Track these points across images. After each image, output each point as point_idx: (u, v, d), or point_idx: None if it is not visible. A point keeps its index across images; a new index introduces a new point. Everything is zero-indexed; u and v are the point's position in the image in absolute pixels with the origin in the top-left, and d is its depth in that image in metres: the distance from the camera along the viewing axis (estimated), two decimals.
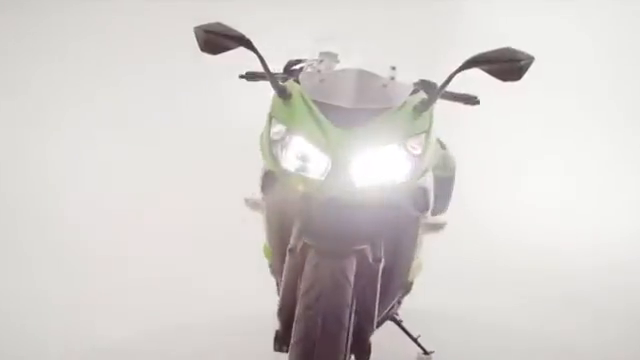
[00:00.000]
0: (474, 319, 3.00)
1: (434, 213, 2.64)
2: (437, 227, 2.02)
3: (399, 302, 2.21)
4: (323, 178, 1.65)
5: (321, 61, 1.93)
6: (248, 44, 1.77)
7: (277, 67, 2.06)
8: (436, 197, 2.55)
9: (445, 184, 2.54)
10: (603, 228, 4.38)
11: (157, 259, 3.48)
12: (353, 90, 1.76)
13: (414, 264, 2.00)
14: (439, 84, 1.82)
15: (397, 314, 2.40)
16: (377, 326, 1.87)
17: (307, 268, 1.62)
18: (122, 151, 4.40)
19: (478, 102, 2.03)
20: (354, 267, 1.64)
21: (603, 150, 4.91)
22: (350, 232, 1.68)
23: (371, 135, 1.68)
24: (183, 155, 4.39)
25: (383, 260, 1.72)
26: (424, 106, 1.77)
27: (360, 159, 1.66)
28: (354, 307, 1.66)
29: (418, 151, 1.72)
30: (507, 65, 1.70)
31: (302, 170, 1.69)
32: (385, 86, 1.80)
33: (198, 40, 1.83)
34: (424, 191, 1.81)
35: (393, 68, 1.90)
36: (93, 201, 4.10)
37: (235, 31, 1.80)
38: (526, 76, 1.69)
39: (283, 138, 1.73)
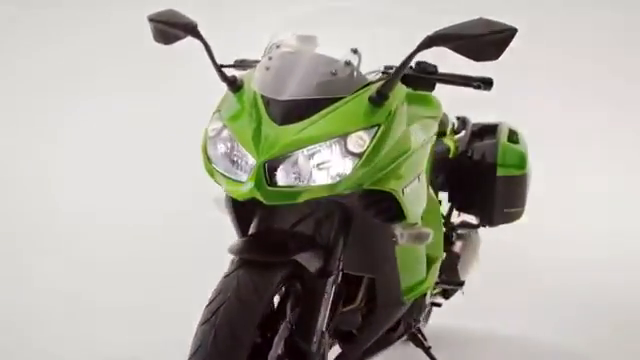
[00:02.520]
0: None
1: (503, 219, 2.48)
2: (421, 238, 1.75)
3: (414, 322, 1.97)
4: (244, 180, 1.50)
5: (278, 46, 1.70)
6: (194, 32, 1.65)
7: None
8: (503, 200, 2.32)
9: (515, 184, 2.36)
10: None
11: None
12: (298, 79, 1.57)
13: (416, 279, 1.83)
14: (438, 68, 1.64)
15: (420, 333, 2.19)
16: (382, 347, 1.84)
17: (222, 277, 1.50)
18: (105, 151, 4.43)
19: (491, 85, 1.71)
20: (280, 280, 1.50)
21: None
22: (272, 241, 1.56)
23: (307, 130, 1.50)
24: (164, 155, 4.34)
25: (336, 274, 1.59)
26: (381, 96, 1.54)
27: (289, 158, 1.48)
28: (288, 322, 1.55)
29: (360, 148, 1.50)
30: (481, 40, 1.46)
31: (228, 171, 1.54)
32: (334, 74, 1.57)
33: (151, 31, 1.73)
34: (381, 197, 1.60)
35: (354, 51, 1.61)
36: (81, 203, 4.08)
37: (184, 18, 1.68)
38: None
39: (218, 135, 1.58)
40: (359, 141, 1.53)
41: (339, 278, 1.66)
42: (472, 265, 2.57)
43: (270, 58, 1.67)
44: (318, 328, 1.59)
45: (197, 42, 1.70)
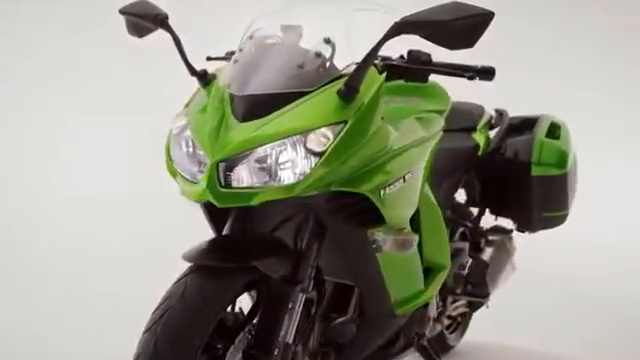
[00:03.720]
0: None
1: (542, 224, 2.27)
2: (405, 245, 1.61)
3: (416, 335, 1.80)
4: (198, 181, 1.40)
5: (250, 37, 1.59)
6: (163, 24, 1.57)
7: None
8: (541, 202, 2.12)
9: (553, 185, 2.17)
10: None
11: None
12: (263, 72, 1.47)
13: (410, 290, 1.70)
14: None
15: (431, 347, 2.03)
16: None
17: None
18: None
19: (493, 75, 1.56)
20: (240, 287, 1.43)
21: None
22: (231, 246, 1.47)
23: (266, 128, 1.39)
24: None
25: (307, 282, 1.50)
26: (350, 89, 1.41)
27: (245, 158, 1.38)
28: (248, 331, 1.48)
29: (322, 147, 1.37)
30: (453, 26, 1.33)
31: (187, 171, 1.45)
32: (301, 66, 1.46)
33: (125, 23, 1.68)
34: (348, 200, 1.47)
35: (327, 41, 1.49)
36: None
37: (154, 10, 1.60)
38: None
39: (180, 133, 1.49)
40: (321, 139, 1.40)
41: (310, 286, 1.53)
42: (504, 275, 2.32)
43: (240, 50, 1.58)
44: (280, 340, 1.48)
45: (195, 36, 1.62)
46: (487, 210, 2.40)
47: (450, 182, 2.16)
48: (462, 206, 2.32)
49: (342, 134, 1.41)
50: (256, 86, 1.45)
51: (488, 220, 2.45)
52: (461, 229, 2.30)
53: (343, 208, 1.50)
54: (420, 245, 1.80)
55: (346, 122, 1.42)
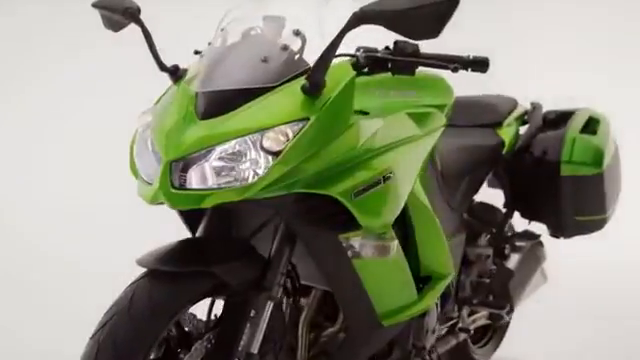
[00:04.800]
0: None
1: (576, 229, 2.07)
2: (383, 251, 1.48)
3: (413, 347, 1.69)
4: (151, 182, 1.34)
5: (222, 29, 1.51)
6: (134, 17, 1.51)
7: None
8: (572, 205, 1.95)
9: (586, 186, 1.99)
10: None
11: None
12: (226, 67, 1.39)
13: (400, 301, 1.59)
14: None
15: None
16: None
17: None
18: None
19: (487, 67, 1.45)
20: (196, 293, 1.35)
21: None
22: (190, 251, 1.41)
23: (223, 126, 1.32)
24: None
25: (276, 290, 1.41)
26: (314, 84, 1.34)
27: (199, 158, 1.30)
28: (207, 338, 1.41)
29: (280, 146, 1.29)
30: (415, 15, 1.24)
31: (144, 171, 1.39)
32: (265, 60, 1.37)
33: (100, 18, 1.64)
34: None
35: (296, 33, 1.40)
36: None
37: (125, 3, 1.54)
38: None
39: (144, 131, 1.43)
40: (280, 137, 1.31)
41: (279, 294, 1.44)
42: (532, 285, 2.11)
43: (209, 44, 1.50)
44: (241, 350, 1.39)
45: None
46: (518, 214, 2.20)
47: (468, 183, 1.98)
48: (485, 209, 2.13)
49: (302, 132, 1.31)
50: (218, 82, 1.38)
51: (522, 225, 2.26)
52: (485, 234, 2.12)
53: (312, 211, 1.40)
54: (416, 251, 1.67)
55: (307, 119, 1.32)
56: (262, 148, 1.30)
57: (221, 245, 1.46)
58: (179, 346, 1.41)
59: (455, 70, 1.42)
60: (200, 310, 1.47)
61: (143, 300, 1.30)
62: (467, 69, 1.45)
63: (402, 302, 1.61)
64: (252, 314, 1.40)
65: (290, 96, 1.35)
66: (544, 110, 2.22)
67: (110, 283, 1.54)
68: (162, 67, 1.53)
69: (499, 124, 2.09)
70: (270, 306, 1.43)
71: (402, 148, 1.53)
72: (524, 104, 2.26)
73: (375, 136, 1.45)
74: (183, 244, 1.45)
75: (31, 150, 4.42)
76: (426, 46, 1.47)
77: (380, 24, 1.29)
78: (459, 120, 2.08)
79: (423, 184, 1.67)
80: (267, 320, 1.42)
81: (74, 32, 4.23)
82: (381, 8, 1.27)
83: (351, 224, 1.41)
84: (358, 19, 1.30)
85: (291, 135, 1.31)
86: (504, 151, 2.07)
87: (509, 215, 2.15)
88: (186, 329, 1.43)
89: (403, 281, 1.60)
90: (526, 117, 2.21)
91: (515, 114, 2.17)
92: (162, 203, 1.34)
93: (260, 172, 1.29)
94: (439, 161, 1.86)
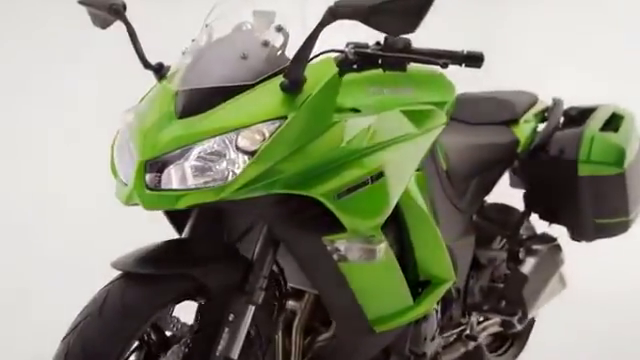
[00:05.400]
0: None
1: (596, 232, 1.97)
2: (372, 254, 1.42)
3: (412, 354, 1.61)
4: (127, 183, 1.32)
5: (207, 25, 1.47)
6: (118, 13, 1.49)
7: None
8: (591, 207, 1.89)
9: (606, 187, 1.89)
10: None
11: None
12: (206, 65, 1.36)
13: (394, 307, 1.53)
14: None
15: None
16: None
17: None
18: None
19: (481, 62, 1.36)
20: (172, 296, 1.32)
21: None
22: (167, 252, 1.37)
23: (199, 125, 1.28)
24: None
25: (257, 293, 1.38)
26: (293, 82, 1.30)
27: (174, 157, 1.27)
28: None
29: (255, 145, 1.25)
30: (390, 9, 1.19)
31: (122, 172, 1.37)
32: (244, 57, 1.34)
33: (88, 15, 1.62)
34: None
35: (279, 29, 1.38)
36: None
37: None
38: None
39: (125, 130, 1.40)
40: (256, 136, 1.27)
41: (260, 297, 1.40)
42: (548, 291, 2.00)
43: (193, 40, 1.47)
44: (219, 355, 1.35)
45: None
46: (537, 215, 2.09)
47: (479, 183, 1.89)
48: (498, 210, 2.03)
49: (279, 131, 1.27)
50: (197, 80, 1.34)
51: (542, 227, 2.14)
52: (500, 237, 2.02)
53: (295, 213, 1.35)
54: (413, 255, 1.60)
55: (286, 118, 1.28)
56: (237, 148, 1.26)
57: (203, 247, 1.43)
58: (159, 350, 1.38)
59: (444, 66, 1.34)
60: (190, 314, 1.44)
61: (115, 302, 1.27)
62: (461, 64, 1.37)
63: (395, 308, 1.54)
64: (231, 318, 1.36)
65: (268, 94, 1.31)
66: (565, 106, 2.11)
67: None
68: (146, 64, 1.50)
69: (515, 121, 1.99)
70: (251, 310, 1.38)
71: (394, 147, 1.46)
72: (545, 100, 2.15)
73: (364, 135, 1.39)
74: (162, 246, 1.41)
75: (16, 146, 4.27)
76: (426, 45, 1.41)
77: (355, 19, 1.23)
78: (471, 117, 2.00)
79: (422, 184, 1.60)
80: (247, 324, 1.38)
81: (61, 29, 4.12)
82: (356, 3, 1.22)
83: (336, 226, 1.35)
84: (333, 15, 1.25)
85: (267, 134, 1.27)
86: (519, 150, 1.97)
87: (524, 217, 2.04)
88: (168, 333, 1.41)
89: (395, 286, 1.53)
90: (546, 114, 2.10)
91: (534, 110, 2.06)
92: (137, 204, 1.32)
93: (236, 172, 1.25)
94: (445, 160, 1.78)
